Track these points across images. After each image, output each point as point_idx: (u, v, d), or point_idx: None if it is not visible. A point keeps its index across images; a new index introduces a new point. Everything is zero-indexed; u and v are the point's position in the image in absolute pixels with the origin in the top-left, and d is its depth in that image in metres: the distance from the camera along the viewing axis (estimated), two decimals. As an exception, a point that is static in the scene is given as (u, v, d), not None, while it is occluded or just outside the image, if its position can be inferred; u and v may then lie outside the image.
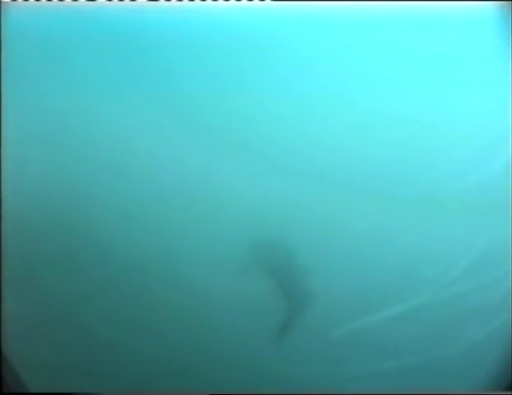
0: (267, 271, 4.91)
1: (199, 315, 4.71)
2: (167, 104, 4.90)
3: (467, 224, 4.68)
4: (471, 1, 4.59)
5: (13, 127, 4.68)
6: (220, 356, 4.62)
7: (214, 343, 4.68)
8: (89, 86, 4.91)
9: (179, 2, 4.74)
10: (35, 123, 4.88)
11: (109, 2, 4.70)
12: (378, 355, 4.68)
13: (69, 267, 4.77)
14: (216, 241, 4.83)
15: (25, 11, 4.67)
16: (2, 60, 4.61)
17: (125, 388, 4.37)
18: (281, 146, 4.90)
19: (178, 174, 4.90)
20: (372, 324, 4.73)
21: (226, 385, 4.39)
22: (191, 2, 4.72)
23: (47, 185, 4.85)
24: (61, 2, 4.70)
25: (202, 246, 4.81)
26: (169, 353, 4.67)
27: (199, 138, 4.87)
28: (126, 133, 4.92)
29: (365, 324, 4.73)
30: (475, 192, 4.72)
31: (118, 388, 4.30)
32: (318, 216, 4.84)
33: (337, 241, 4.79)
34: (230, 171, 4.85)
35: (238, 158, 4.86)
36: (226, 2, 4.72)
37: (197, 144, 4.86)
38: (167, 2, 4.75)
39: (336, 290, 4.79)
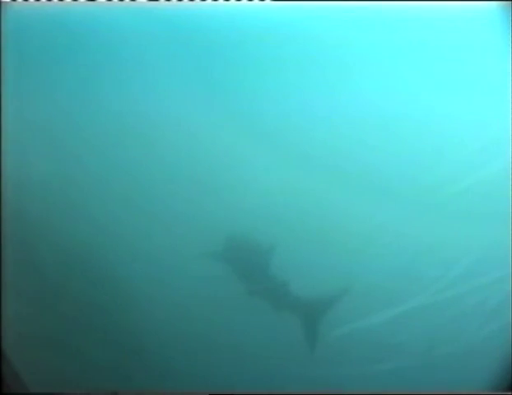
0: (266, 268, 4.92)
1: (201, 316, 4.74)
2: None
3: (467, 225, 4.68)
4: (471, 1, 4.58)
5: (13, 127, 4.68)
6: (217, 356, 4.64)
7: (212, 341, 4.69)
8: (90, 86, 4.92)
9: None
10: (36, 123, 4.88)
11: (107, 3, 4.70)
12: (378, 355, 4.68)
13: (70, 268, 4.78)
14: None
15: (25, 11, 4.67)
16: (2, 60, 4.61)
17: (125, 387, 4.37)
18: (285, 140, 4.91)
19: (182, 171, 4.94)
20: (372, 325, 4.73)
21: (225, 384, 4.41)
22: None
23: (48, 186, 4.85)
24: (61, 2, 4.70)
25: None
26: (168, 351, 4.69)
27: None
28: (128, 133, 4.93)
29: (364, 325, 4.73)
30: (474, 194, 4.72)
31: (118, 388, 4.30)
32: (318, 215, 4.84)
33: (336, 241, 4.79)
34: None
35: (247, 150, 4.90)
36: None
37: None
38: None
39: (336, 290, 4.79)
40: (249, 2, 4.71)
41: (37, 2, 4.68)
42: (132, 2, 4.75)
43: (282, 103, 4.88)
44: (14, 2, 4.64)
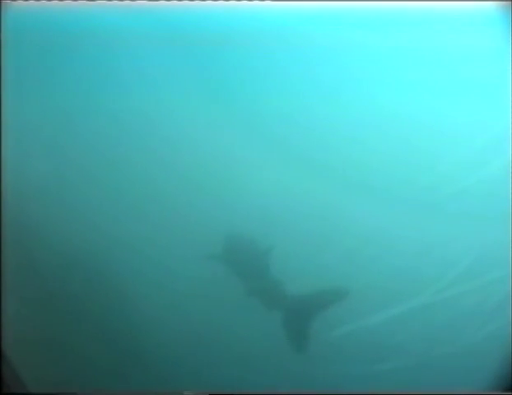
0: (265, 269, 4.92)
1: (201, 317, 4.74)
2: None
3: (466, 225, 4.68)
4: (471, 1, 4.58)
5: (13, 127, 4.68)
6: (217, 356, 4.64)
7: (212, 342, 4.70)
8: (90, 86, 4.92)
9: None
10: (35, 123, 4.88)
11: (107, 3, 4.70)
12: (378, 355, 4.68)
13: (69, 268, 4.78)
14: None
15: (25, 11, 4.66)
16: (2, 60, 4.60)
17: (125, 388, 4.37)
18: (283, 141, 4.91)
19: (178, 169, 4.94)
20: (372, 325, 4.74)
21: (224, 384, 4.41)
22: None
23: (48, 189, 4.86)
24: (61, 2, 4.69)
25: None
26: (168, 352, 4.68)
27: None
28: (128, 135, 4.93)
29: (364, 325, 4.74)
30: (474, 194, 4.72)
31: (117, 388, 4.30)
32: (317, 216, 4.85)
33: (336, 241, 4.80)
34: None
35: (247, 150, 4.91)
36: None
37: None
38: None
39: (336, 290, 4.79)
40: (249, 3, 4.71)
41: (37, 2, 4.68)
42: (132, 3, 4.74)
43: (282, 104, 4.88)
44: (14, 2, 4.63)
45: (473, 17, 4.59)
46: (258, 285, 4.87)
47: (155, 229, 4.84)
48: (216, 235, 4.85)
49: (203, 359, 4.64)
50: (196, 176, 4.90)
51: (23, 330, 4.42)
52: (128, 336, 4.70)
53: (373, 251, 4.78)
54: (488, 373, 4.23)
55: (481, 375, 4.22)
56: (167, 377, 4.61)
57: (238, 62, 4.90)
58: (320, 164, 4.85)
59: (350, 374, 4.59)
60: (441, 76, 4.81)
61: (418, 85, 4.82)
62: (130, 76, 4.94)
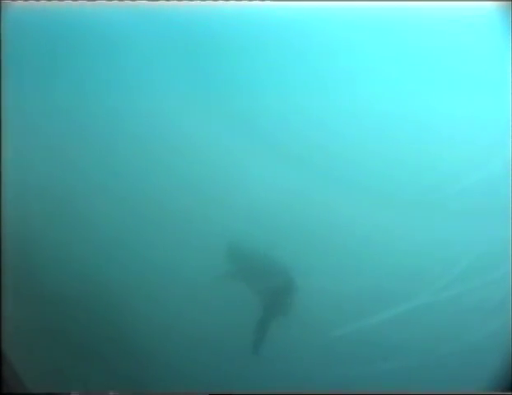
0: (270, 269, 4.93)
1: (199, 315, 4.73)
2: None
3: (467, 224, 4.69)
4: (471, 1, 4.60)
5: (13, 127, 4.68)
6: (213, 359, 4.64)
7: (213, 342, 4.70)
8: (90, 86, 4.93)
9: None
10: (35, 123, 4.88)
11: (107, 3, 4.71)
12: (378, 354, 4.68)
13: (69, 269, 4.77)
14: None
15: (25, 11, 4.67)
16: (2, 60, 4.60)
17: (124, 388, 4.37)
18: (284, 144, 4.92)
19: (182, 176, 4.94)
20: (372, 324, 4.74)
21: (224, 384, 4.41)
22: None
23: (48, 192, 4.86)
24: (61, 2, 4.70)
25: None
26: (167, 352, 4.68)
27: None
28: (128, 136, 4.94)
29: (365, 324, 4.74)
30: (475, 193, 4.73)
31: (117, 388, 4.30)
32: (319, 217, 4.85)
33: (338, 242, 4.80)
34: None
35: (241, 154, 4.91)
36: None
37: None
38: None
39: (337, 290, 4.79)
40: (249, 3, 4.72)
41: (37, 2, 4.68)
42: (132, 2, 4.75)
43: (282, 106, 4.89)
44: (14, 2, 4.64)
45: (473, 17, 4.60)
46: (258, 287, 4.88)
47: (156, 233, 4.84)
48: (218, 238, 4.84)
49: (204, 360, 4.63)
50: (197, 180, 4.90)
51: (23, 330, 4.42)
52: (128, 338, 4.69)
53: (374, 250, 4.78)
54: (489, 371, 4.24)
55: (482, 374, 4.23)
56: (167, 377, 4.61)
57: (238, 63, 4.91)
58: (320, 165, 4.86)
59: (350, 374, 4.59)
60: (441, 76, 4.82)
61: (419, 85, 4.83)
62: (130, 77, 4.94)
